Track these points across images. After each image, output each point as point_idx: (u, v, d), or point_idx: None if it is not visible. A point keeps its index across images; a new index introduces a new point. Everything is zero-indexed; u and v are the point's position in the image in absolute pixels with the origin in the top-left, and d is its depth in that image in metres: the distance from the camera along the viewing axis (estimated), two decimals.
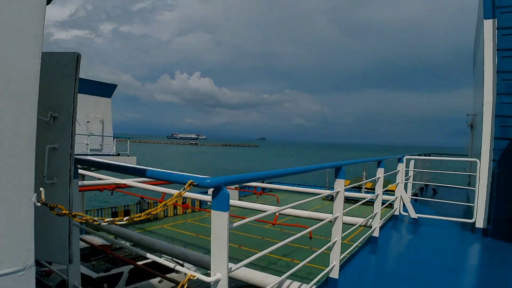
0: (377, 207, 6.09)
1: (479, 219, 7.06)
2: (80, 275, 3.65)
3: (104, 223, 2.52)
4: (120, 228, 8.67)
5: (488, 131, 6.85)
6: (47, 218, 2.64)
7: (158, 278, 12.73)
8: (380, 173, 6.19)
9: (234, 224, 2.53)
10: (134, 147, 27.41)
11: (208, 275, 2.44)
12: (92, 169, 20.44)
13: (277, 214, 8.54)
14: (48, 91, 2.77)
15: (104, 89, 23.60)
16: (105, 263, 12.70)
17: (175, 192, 11.45)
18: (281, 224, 10.20)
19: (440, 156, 14.77)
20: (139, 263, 12.70)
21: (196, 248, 19.08)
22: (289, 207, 3.51)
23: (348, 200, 5.95)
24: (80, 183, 11.82)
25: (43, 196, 2.12)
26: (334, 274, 4.27)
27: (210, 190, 2.41)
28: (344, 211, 4.33)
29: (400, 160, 8.06)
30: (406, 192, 8.28)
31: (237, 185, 20.77)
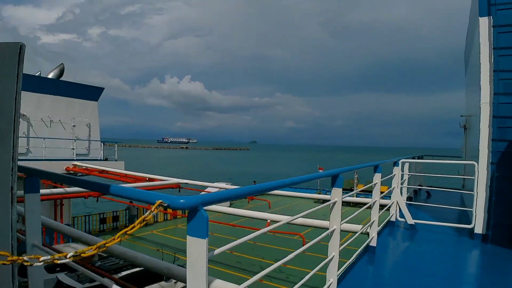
0: (375, 215, 5.78)
1: (478, 225, 6.76)
2: None
3: (66, 260, 2.06)
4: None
5: (485, 132, 6.57)
6: None
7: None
8: (377, 178, 5.88)
9: (216, 251, 2.19)
10: (123, 152, 26.96)
11: None
12: (79, 174, 19.99)
13: (268, 221, 8.24)
14: None
15: (91, 92, 23.11)
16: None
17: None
18: (273, 231, 9.85)
19: (434, 159, 14.51)
20: (126, 272, 12.34)
21: (185, 254, 18.66)
22: (283, 222, 3.24)
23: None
24: (63, 190, 11.42)
25: None
26: None
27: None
28: (342, 222, 4.01)
29: (395, 163, 7.79)
30: (401, 196, 8.01)
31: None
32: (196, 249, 1.99)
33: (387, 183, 7.73)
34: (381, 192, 6.12)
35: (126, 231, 1.99)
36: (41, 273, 3.21)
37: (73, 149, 21.48)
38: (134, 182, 15.40)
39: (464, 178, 11.16)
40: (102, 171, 18.89)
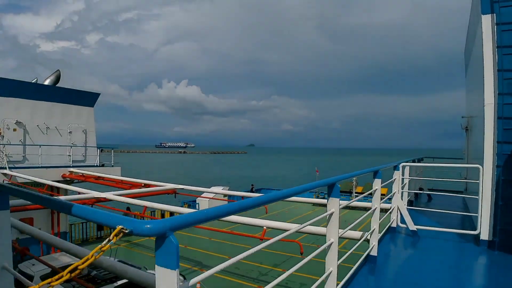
0: (375, 223, 5.51)
1: (484, 231, 6.46)
2: None
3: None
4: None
5: (490, 134, 6.32)
6: None
7: None
8: (377, 184, 5.60)
9: (191, 282, 1.92)
10: (121, 158, 26.69)
11: None
12: (76, 181, 19.72)
13: (265, 228, 8.01)
14: None
15: (86, 98, 22.88)
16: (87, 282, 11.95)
17: (158, 206, 10.89)
18: (270, 239, 9.57)
19: (434, 161, 14.32)
20: (122, 281, 12.04)
21: (185, 261, 18.48)
22: (278, 238, 3.04)
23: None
24: (56, 198, 11.16)
25: None
26: None
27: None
28: (341, 234, 3.77)
29: (396, 167, 7.46)
30: (402, 200, 7.72)
31: (227, 196, 20.17)
32: (166, 282, 1.72)
33: (387, 186, 7.47)
34: (382, 194, 5.87)
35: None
36: None
37: (70, 155, 21.22)
38: (130, 189, 15.16)
39: (466, 181, 10.85)
40: (98, 178, 18.63)
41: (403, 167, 7.88)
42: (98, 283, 11.91)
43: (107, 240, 1.72)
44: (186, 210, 11.64)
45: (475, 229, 6.67)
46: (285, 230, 7.89)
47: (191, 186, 15.44)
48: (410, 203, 9.50)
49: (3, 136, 18.70)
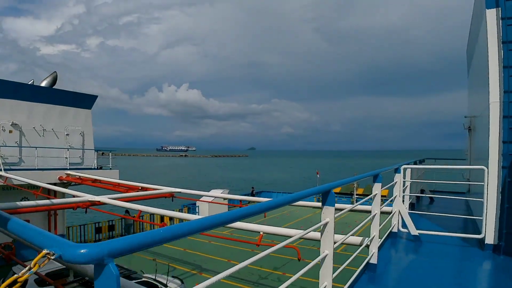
0: (375, 229, 5.22)
1: (489, 234, 6.16)
2: None
3: None
4: None
5: (495, 134, 6.01)
6: None
7: None
8: (377, 189, 5.32)
9: None
10: (123, 161, 26.51)
11: None
12: (73, 184, 19.47)
13: (261, 233, 7.73)
14: None
15: (84, 100, 22.65)
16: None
17: (151, 209, 10.63)
18: (266, 245, 9.26)
19: (436, 162, 14.02)
20: None
21: (184, 264, 18.25)
22: (276, 248, 2.70)
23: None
24: (48, 201, 10.94)
25: None
26: None
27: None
28: (336, 245, 3.46)
29: (397, 170, 7.13)
30: (403, 204, 7.37)
31: (226, 199, 19.88)
32: None
33: (387, 189, 7.14)
34: (382, 196, 5.56)
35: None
36: None
37: (67, 158, 20.97)
38: (127, 192, 14.94)
39: (469, 182, 10.49)
40: (95, 180, 18.40)
41: (405, 169, 7.55)
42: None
43: (27, 268, 1.45)
44: (181, 214, 11.37)
45: (479, 233, 6.35)
46: (282, 236, 7.63)
47: (189, 189, 15.19)
48: (411, 206, 9.17)
49: None
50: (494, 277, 5.58)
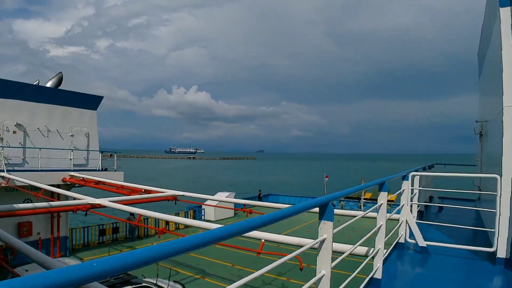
0: (380, 241, 4.85)
1: (501, 248, 5.70)
2: None
3: None
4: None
5: (510, 140, 5.59)
6: None
7: None
8: (383, 198, 4.97)
9: None
10: (131, 163, 26.41)
11: None
12: (76, 185, 19.33)
13: (262, 241, 7.45)
14: None
15: (89, 101, 22.55)
16: None
17: (153, 214, 10.36)
18: (267, 253, 8.94)
19: (445, 167, 13.55)
20: None
21: (187, 268, 18.00)
22: (278, 263, 2.51)
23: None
24: (46, 204, 10.75)
25: None
26: None
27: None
28: (333, 264, 3.09)
29: (405, 177, 6.70)
30: (411, 213, 6.95)
31: (232, 203, 19.67)
32: None
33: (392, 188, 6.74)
34: (390, 202, 5.17)
35: None
36: None
37: (71, 159, 20.84)
38: (130, 194, 14.74)
39: (480, 192, 9.98)
40: (98, 182, 18.23)
41: (413, 176, 7.14)
42: None
43: None
44: (180, 219, 11.10)
45: (490, 246, 5.89)
46: (284, 244, 7.32)
47: (193, 192, 14.94)
48: (419, 214, 8.73)
49: (2, 139, 18.41)
50: None
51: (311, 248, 5.73)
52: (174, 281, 14.04)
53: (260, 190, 42.05)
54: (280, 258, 2.81)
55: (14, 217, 16.15)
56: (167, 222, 25.35)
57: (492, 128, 7.90)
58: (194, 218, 30.24)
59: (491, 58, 7.87)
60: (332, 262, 3.07)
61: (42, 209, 10.45)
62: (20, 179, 16.20)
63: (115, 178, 19.51)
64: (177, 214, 27.83)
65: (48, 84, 21.57)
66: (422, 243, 6.42)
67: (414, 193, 7.29)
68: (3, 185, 16.95)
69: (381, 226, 4.87)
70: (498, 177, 5.65)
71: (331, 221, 3.03)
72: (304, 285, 2.91)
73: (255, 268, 2.04)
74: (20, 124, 19.15)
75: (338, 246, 5.71)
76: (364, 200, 35.55)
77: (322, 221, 3.05)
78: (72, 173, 19.92)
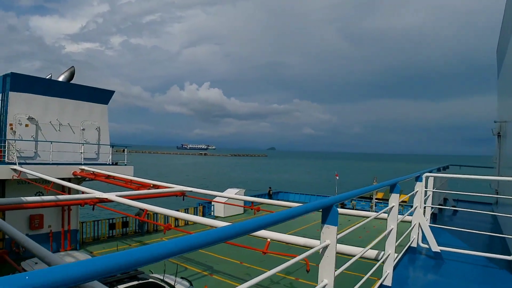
0: (390, 246, 4.56)
1: None
2: None
3: None
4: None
5: None
6: None
7: None
8: (394, 200, 4.65)
9: None
10: (143, 158, 26.44)
11: None
12: (87, 179, 19.38)
13: (268, 240, 7.27)
14: None
15: (100, 95, 22.58)
16: None
17: (158, 209, 10.24)
18: (273, 253, 8.74)
19: (461, 169, 13.13)
20: (125, 285, 11.46)
21: (196, 265, 17.94)
22: (286, 264, 2.40)
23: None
24: (54, 197, 10.71)
25: None
26: None
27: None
28: (337, 272, 2.81)
29: (418, 178, 6.37)
30: (424, 215, 6.61)
31: (242, 200, 19.36)
32: None
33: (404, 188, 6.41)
34: (402, 202, 4.86)
35: None
36: None
37: (82, 153, 20.90)
38: (138, 189, 14.68)
39: (498, 195, 9.54)
40: (108, 176, 18.24)
41: (427, 178, 6.76)
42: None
43: None
44: (187, 216, 10.96)
45: (509, 254, 5.53)
46: (289, 244, 7.11)
47: (201, 189, 14.81)
48: (433, 216, 8.36)
49: (15, 132, 18.52)
50: None
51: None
52: (181, 277, 13.96)
53: (270, 188, 41.94)
54: (286, 258, 2.61)
55: (26, 210, 16.25)
56: (176, 218, 25.32)
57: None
58: (203, 214, 30.21)
59: (511, 57, 7.53)
60: (336, 269, 2.81)
61: (50, 203, 10.42)
62: (31, 172, 16.27)
63: (125, 173, 19.51)
64: (186, 210, 27.84)
65: (60, 78, 21.65)
66: (436, 248, 6.07)
67: (427, 195, 6.95)
68: (15, 178, 17.06)
69: (391, 230, 4.57)
70: None
71: (335, 225, 2.76)
72: (312, 286, 2.69)
73: (263, 267, 1.89)
74: (32, 118, 19.25)
75: (344, 248, 5.47)
76: (376, 200, 35.07)
77: (325, 225, 2.78)
78: (83, 167, 19.98)
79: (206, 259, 18.78)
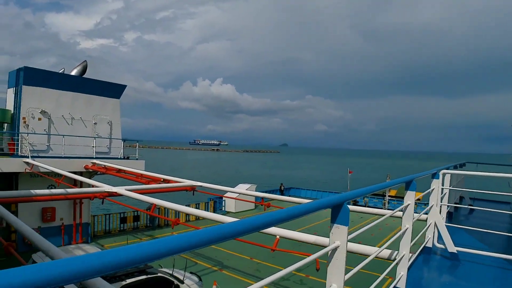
0: (405, 247, 4.30)
1: None
2: None
3: None
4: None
5: None
6: None
7: None
8: (410, 198, 4.39)
9: None
10: (156, 153, 26.49)
11: None
12: (98, 173, 19.47)
13: (277, 237, 7.11)
14: None
15: (112, 90, 22.63)
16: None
17: (167, 204, 10.14)
18: (281, 250, 8.55)
19: (478, 166, 12.74)
20: (132, 279, 11.41)
21: (206, 260, 17.90)
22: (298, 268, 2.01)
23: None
24: (63, 191, 10.70)
25: None
26: None
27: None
28: (347, 276, 2.58)
29: (435, 175, 6.05)
30: (440, 214, 6.27)
31: (253, 196, 19.30)
32: None
33: (422, 195, 6.14)
34: (417, 200, 4.57)
35: None
36: None
37: (93, 147, 21.00)
38: (149, 183, 14.66)
39: None
40: (119, 170, 18.28)
41: (444, 175, 6.42)
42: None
43: None
44: (195, 211, 10.83)
45: None
46: (299, 241, 6.93)
47: (211, 184, 14.71)
48: (448, 215, 8.03)
49: (28, 125, 18.67)
50: None
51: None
52: (191, 272, 13.89)
53: (282, 184, 41.85)
54: (295, 256, 2.42)
55: (39, 203, 16.35)
56: (187, 214, 25.33)
57: None
58: (214, 209, 30.21)
59: None
60: (346, 273, 2.56)
61: (60, 196, 10.42)
62: (43, 165, 16.38)
63: (136, 167, 19.56)
64: (197, 205, 27.85)
65: (73, 73, 21.74)
66: (452, 248, 5.76)
67: (444, 193, 6.64)
68: (27, 171, 17.20)
69: (406, 229, 4.31)
70: None
71: (345, 225, 2.52)
72: (323, 284, 2.51)
73: (273, 263, 1.73)
74: (45, 111, 19.38)
75: (356, 247, 5.25)
76: (389, 198, 34.62)
77: (335, 225, 2.53)
78: (94, 161, 20.07)
79: (216, 255, 18.72)
